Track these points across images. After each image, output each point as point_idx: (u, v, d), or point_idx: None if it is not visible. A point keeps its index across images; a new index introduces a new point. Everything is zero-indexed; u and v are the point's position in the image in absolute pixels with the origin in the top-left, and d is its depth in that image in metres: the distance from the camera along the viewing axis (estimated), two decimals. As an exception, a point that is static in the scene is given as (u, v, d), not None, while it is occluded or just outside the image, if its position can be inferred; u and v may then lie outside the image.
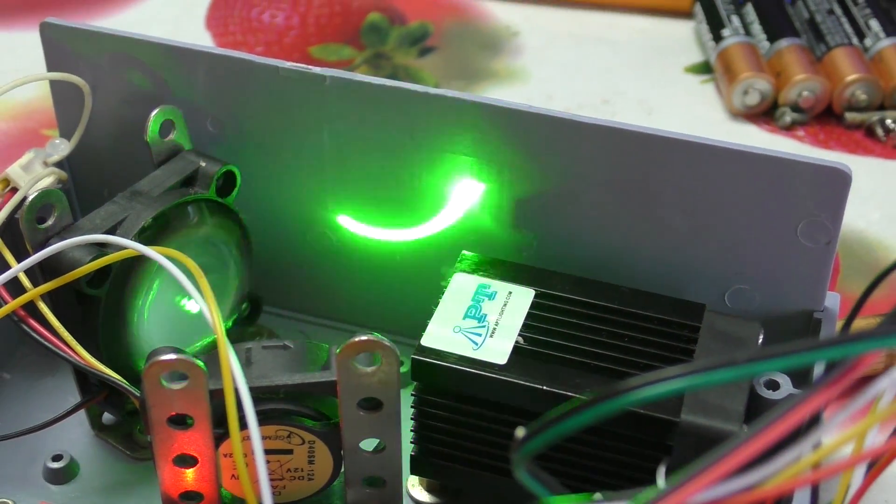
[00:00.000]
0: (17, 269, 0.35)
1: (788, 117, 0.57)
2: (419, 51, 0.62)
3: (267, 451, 0.33)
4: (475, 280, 0.37)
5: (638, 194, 0.37)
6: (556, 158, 0.37)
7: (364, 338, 0.31)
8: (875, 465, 0.28)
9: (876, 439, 0.25)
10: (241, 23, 0.64)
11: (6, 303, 0.35)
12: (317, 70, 0.38)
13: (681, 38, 0.64)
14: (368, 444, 0.34)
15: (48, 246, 0.35)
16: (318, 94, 0.39)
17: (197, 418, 0.32)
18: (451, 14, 0.65)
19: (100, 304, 0.36)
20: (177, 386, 0.31)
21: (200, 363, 0.31)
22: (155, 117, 0.38)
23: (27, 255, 0.35)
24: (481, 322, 0.35)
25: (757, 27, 0.60)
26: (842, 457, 0.23)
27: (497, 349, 0.34)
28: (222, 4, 0.66)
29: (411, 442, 0.36)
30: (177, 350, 0.31)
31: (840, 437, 0.22)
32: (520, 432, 0.23)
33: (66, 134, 0.42)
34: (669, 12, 0.65)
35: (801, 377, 0.35)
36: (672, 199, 0.37)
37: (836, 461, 0.23)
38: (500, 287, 0.36)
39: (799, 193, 0.35)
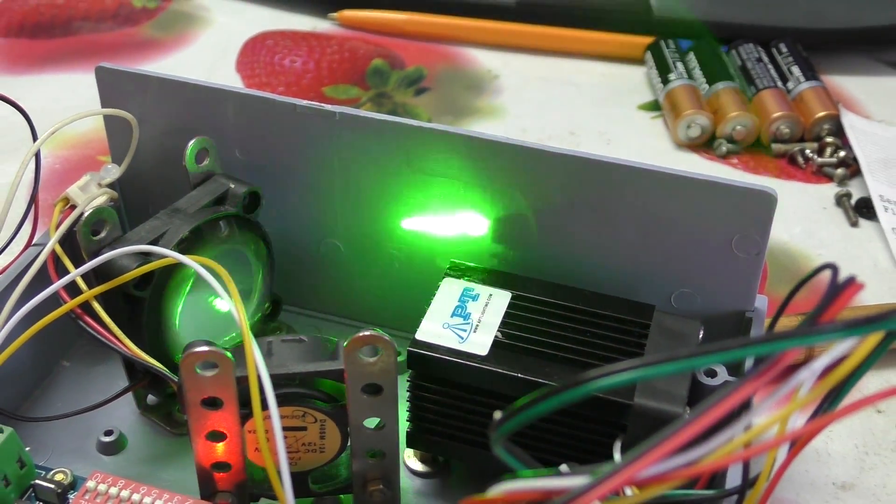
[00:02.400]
0: (74, 274, 0.34)
1: (724, 147, 0.57)
2: (415, 91, 0.62)
3: (285, 429, 0.33)
4: (461, 284, 0.36)
5: (598, 212, 0.37)
6: (528, 182, 0.37)
7: (367, 333, 0.31)
8: (796, 444, 0.28)
9: (797, 422, 0.25)
10: (265, 67, 0.64)
11: (65, 302, 0.35)
12: (328, 107, 0.38)
13: (634, 81, 0.64)
14: (371, 423, 0.33)
15: (101, 255, 0.34)
16: (329, 127, 0.38)
17: (226, 400, 0.32)
18: (442, 60, 0.65)
19: (144, 303, 0.36)
20: (209, 373, 0.31)
21: (229, 354, 0.31)
22: (191, 146, 0.38)
23: (83, 263, 0.35)
24: (466, 320, 0.35)
25: (698, 72, 0.60)
26: (769, 437, 0.23)
27: (479, 342, 0.34)
28: (250, 51, 0.65)
29: (407, 420, 0.36)
30: (209, 343, 0.31)
31: (767, 420, 0.22)
32: (497, 415, 0.23)
33: (117, 160, 0.42)
34: (625, 59, 0.65)
35: (735, 366, 0.35)
36: (627, 217, 0.37)
37: (764, 441, 0.23)
38: (482, 290, 0.36)
39: (733, 212, 0.35)
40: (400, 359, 0.33)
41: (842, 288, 0.21)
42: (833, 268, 0.23)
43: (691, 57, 0.62)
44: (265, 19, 0.69)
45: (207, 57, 0.65)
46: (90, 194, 0.38)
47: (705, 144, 0.58)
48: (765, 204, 0.35)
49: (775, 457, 0.28)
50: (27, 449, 0.35)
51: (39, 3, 0.70)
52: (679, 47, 0.63)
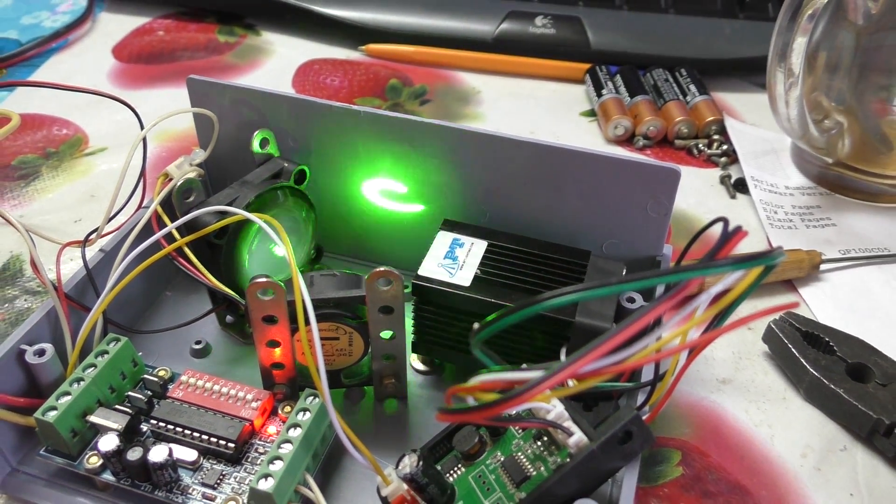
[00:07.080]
0: (171, 227, 0.33)
1: (641, 142, 0.55)
2: (420, 102, 0.60)
3: (322, 339, 0.32)
4: (451, 235, 0.35)
5: (550, 184, 0.36)
6: (500, 162, 0.36)
7: (383, 269, 0.30)
8: (693, 351, 0.27)
9: (694, 335, 0.24)
10: (313, 84, 0.62)
11: (164, 248, 0.33)
12: (354, 107, 0.37)
13: (577, 95, 0.62)
14: (386, 335, 0.32)
15: (190, 213, 0.33)
16: (356, 122, 0.37)
17: (280, 318, 0.31)
18: (440, 80, 0.63)
19: (222, 249, 0.34)
20: (267, 298, 0.30)
21: (282, 284, 0.30)
22: (256, 136, 0.37)
23: (177, 219, 0.33)
24: (455, 261, 0.34)
25: (623, 89, 0.59)
26: (673, 345, 0.22)
27: (464, 277, 0.33)
28: (302, 73, 0.64)
29: (412, 332, 0.35)
30: (267, 276, 0.30)
31: (672, 333, 0.21)
32: (475, 326, 0.22)
33: (203, 146, 0.40)
34: (570, 80, 0.63)
35: (648, 295, 0.34)
36: (571, 187, 0.35)
37: (670, 348, 0.22)
38: (467, 240, 0.35)
39: (648, 183, 0.34)
40: (406, 290, 0.32)
41: (732, 234, 0.20)
42: (724, 220, 0.22)
43: (618, 78, 0.60)
44: (313, 50, 0.67)
45: (271, 77, 0.63)
46: (183, 170, 0.37)
47: (627, 140, 0.56)
48: (672, 177, 0.33)
49: (678, 360, 0.28)
50: (139, 353, 0.34)
51: (152, 38, 0.68)
52: (609, 71, 0.61)
